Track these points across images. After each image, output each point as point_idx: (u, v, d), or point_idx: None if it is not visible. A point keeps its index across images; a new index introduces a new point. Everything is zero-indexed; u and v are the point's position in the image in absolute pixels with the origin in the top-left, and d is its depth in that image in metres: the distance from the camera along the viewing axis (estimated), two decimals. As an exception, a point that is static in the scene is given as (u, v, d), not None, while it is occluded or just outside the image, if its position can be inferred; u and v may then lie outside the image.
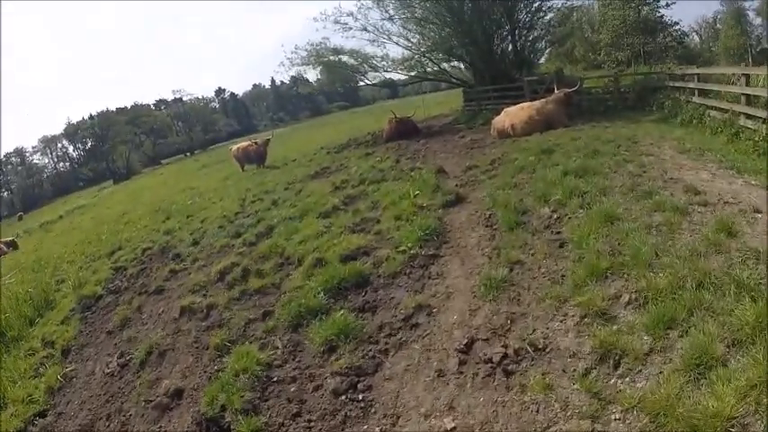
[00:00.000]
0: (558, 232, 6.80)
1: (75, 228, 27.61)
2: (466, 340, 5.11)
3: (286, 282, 7.83)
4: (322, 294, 6.80)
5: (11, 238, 29.37)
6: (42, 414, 6.96)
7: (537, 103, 16.53)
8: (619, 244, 5.89)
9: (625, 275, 5.24)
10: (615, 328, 4.55)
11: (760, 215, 6.09)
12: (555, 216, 7.30)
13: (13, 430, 6.74)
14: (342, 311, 6.31)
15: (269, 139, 25.49)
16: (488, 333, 5.15)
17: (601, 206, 6.96)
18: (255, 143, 24.92)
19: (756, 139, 9.96)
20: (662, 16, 36.68)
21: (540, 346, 4.71)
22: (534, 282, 5.81)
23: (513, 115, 16.35)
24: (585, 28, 42.10)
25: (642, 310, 4.66)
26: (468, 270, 6.57)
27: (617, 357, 4.23)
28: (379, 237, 8.52)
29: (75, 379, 7.56)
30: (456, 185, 10.61)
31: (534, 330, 4.95)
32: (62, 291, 11.83)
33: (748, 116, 11.02)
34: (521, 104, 17.15)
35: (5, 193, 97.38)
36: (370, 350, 5.58)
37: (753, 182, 7.59)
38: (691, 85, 15.62)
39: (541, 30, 28.08)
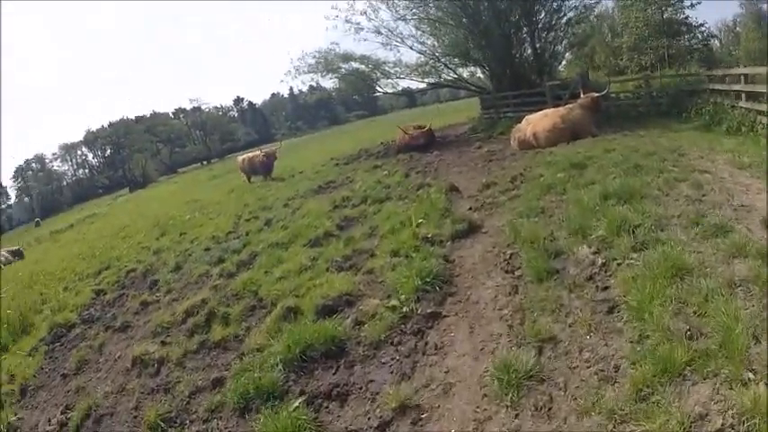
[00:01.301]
0: (606, 288, 4.96)
1: (79, 239, 26.71)
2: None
3: (249, 335, 6.40)
4: (280, 367, 5.22)
5: (17, 247, 28.89)
6: (-16, 468, 6.09)
7: (561, 110, 14.85)
8: (696, 315, 4.08)
9: (712, 377, 3.47)
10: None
11: None
12: (599, 261, 5.42)
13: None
14: (298, 402, 4.65)
15: (276, 150, 24.34)
16: (502, 473, 3.35)
17: (662, 249, 5.11)
18: (265, 154, 23.82)
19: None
20: (686, 17, 34.98)
21: None
22: (574, 376, 3.98)
23: (535, 123, 14.64)
24: (606, 32, 40.51)
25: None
26: (478, 344, 4.79)
27: None
28: (369, 278, 6.95)
29: (18, 431, 6.55)
30: (470, 209, 9.01)
31: (575, 476, 3.15)
32: (44, 312, 10.82)
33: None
34: (543, 111, 15.50)
35: (26, 199, 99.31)
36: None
37: None
38: (736, 87, 13.85)
39: (560, 31, 26.10)
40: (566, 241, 6.16)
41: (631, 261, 5.18)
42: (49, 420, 6.36)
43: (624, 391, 3.59)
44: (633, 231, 5.73)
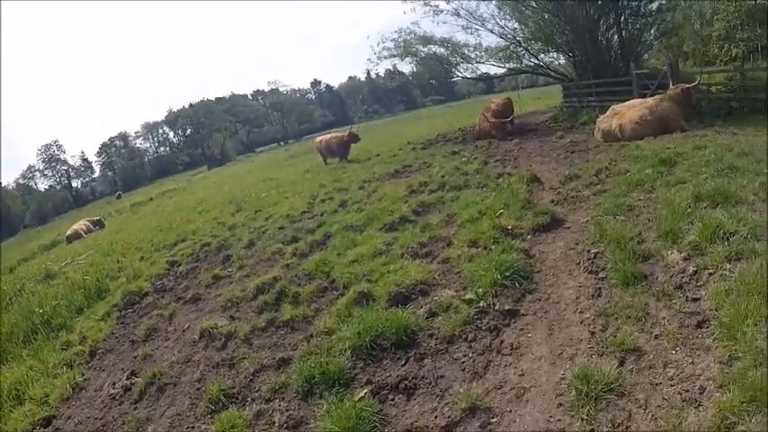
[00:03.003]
0: (696, 299, 4.57)
1: (157, 212, 27.87)
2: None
3: (319, 317, 6.42)
4: (348, 354, 5.14)
5: (98, 218, 30.34)
6: (47, 422, 6.34)
7: (650, 101, 14.06)
8: None
9: None
10: None
11: None
12: (690, 269, 5.00)
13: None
14: (364, 392, 4.55)
15: (354, 133, 24.32)
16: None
17: (759, 261, 4.63)
18: (350, 132, 24.13)
19: None
20: (782, 4, 32.80)
21: None
22: (656, 394, 3.70)
23: (621, 114, 14.01)
24: (695, 18, 38.54)
25: None
26: (556, 348, 4.54)
27: None
28: (445, 267, 6.79)
29: (84, 391, 6.82)
30: (552, 201, 8.71)
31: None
32: (119, 279, 11.27)
33: None
34: (631, 102, 14.79)
35: (109, 173, 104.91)
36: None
37: None
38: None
39: (649, 17, 24.75)
40: (654, 244, 5.76)
41: (725, 272, 4.76)
42: (114, 384, 6.58)
43: (708, 417, 3.32)
44: (728, 239, 5.27)
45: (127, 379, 6.53)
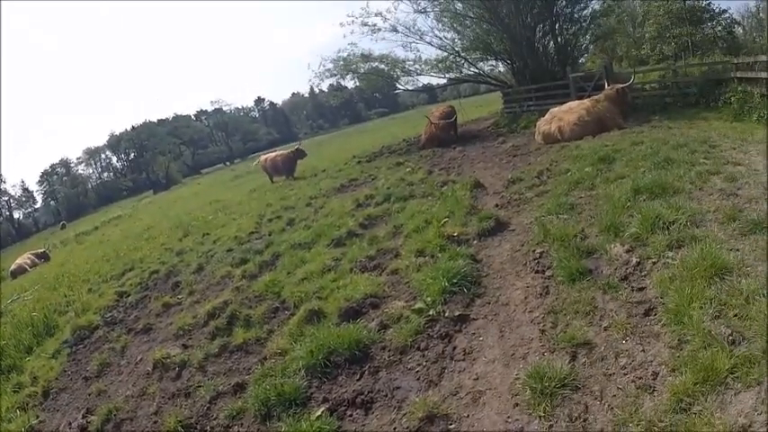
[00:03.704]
0: (641, 288, 4.67)
1: (103, 241, 26.96)
2: None
3: (272, 339, 6.33)
4: (303, 373, 5.09)
5: (42, 250, 29.35)
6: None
7: (586, 102, 14.49)
8: (738, 318, 3.79)
9: (756, 385, 3.22)
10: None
11: None
12: (633, 260, 5.12)
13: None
14: (321, 411, 4.50)
15: (298, 150, 24.25)
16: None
17: (699, 247, 4.77)
18: (297, 149, 24.18)
19: None
20: (709, 4, 34.33)
21: None
22: (610, 385, 3.75)
23: (559, 117, 14.31)
24: (626, 21, 39.96)
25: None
26: (508, 348, 4.58)
27: None
28: (394, 279, 6.80)
29: None
30: (496, 206, 8.80)
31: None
32: (68, 314, 10.84)
33: None
34: (568, 104, 15.12)
35: (52, 203, 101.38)
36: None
37: None
38: (763, 75, 13.56)
39: (583, 22, 25.64)
40: (597, 239, 5.90)
41: (667, 260, 4.89)
42: (70, 424, 6.37)
43: (663, 401, 3.39)
44: (668, 228, 5.42)
45: (83, 418, 6.31)
